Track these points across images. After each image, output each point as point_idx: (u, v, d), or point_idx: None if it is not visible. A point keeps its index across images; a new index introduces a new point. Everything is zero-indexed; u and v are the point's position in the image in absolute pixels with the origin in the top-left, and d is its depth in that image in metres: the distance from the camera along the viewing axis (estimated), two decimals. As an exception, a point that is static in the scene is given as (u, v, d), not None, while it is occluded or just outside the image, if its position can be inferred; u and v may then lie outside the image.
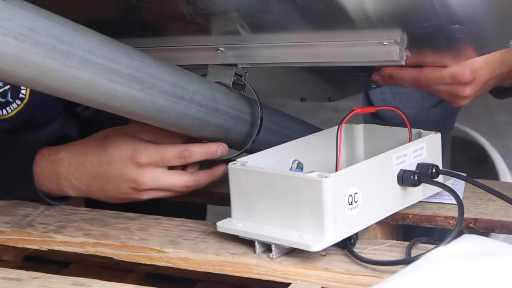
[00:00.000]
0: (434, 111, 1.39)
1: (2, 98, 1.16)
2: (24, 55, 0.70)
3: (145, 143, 0.99)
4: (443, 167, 1.01)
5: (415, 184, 0.95)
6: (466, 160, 1.96)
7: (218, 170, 1.03)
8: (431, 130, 1.01)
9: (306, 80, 1.21)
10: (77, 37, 0.76)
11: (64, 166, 1.03)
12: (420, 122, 1.23)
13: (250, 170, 0.92)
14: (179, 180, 1.01)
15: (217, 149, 1.00)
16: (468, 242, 0.72)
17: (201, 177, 1.02)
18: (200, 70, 1.04)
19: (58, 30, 0.74)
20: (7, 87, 1.15)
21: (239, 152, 1.05)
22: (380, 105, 1.36)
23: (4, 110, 1.16)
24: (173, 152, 0.99)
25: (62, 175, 1.03)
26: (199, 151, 1.00)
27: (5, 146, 1.08)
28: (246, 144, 1.04)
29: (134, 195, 1.01)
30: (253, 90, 1.03)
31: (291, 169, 1.00)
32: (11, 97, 1.16)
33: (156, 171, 0.99)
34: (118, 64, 0.81)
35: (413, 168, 0.97)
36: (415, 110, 1.37)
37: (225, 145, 1.01)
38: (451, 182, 1.02)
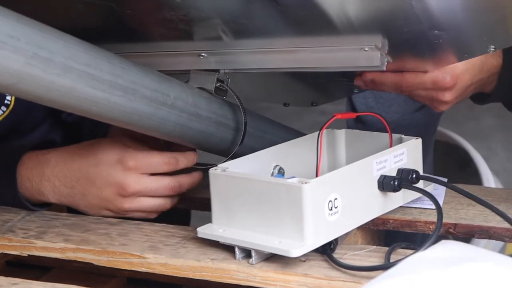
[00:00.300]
0: (417, 115, 1.40)
1: None
2: (4, 62, 0.70)
3: (134, 148, 1.00)
4: (425, 171, 1.02)
5: (396, 189, 0.95)
6: (450, 163, 1.97)
7: (200, 172, 1.04)
8: (413, 135, 1.02)
9: (289, 85, 1.21)
10: (58, 43, 0.77)
11: (50, 167, 1.03)
12: (403, 127, 1.24)
13: (230, 176, 0.92)
14: (163, 181, 1.01)
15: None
16: (446, 248, 0.72)
17: (183, 179, 1.03)
18: (183, 76, 1.04)
19: (39, 37, 0.74)
20: None
21: (227, 158, 1.05)
22: (363, 109, 1.37)
23: None
24: (160, 159, 1.00)
25: (46, 176, 1.03)
26: (184, 159, 1.02)
27: None
28: (231, 150, 1.05)
29: (116, 201, 1.01)
30: (236, 95, 1.03)
31: (272, 174, 1.01)
32: None
33: (141, 176, 1.00)
34: (99, 70, 0.81)
35: (394, 173, 0.97)
36: (398, 115, 1.38)
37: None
38: (432, 187, 1.03)
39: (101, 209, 1.02)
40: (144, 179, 1.00)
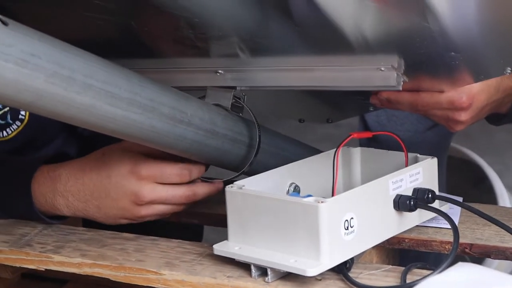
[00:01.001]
0: (429, 134, 1.40)
1: (2, 120, 1.16)
2: (25, 80, 0.71)
3: (145, 157, 1.00)
4: (438, 189, 1.02)
5: (411, 209, 0.95)
6: (464, 180, 1.97)
7: (217, 184, 1.04)
8: (425, 153, 1.02)
9: (304, 102, 1.22)
10: (78, 61, 0.77)
11: (62, 183, 1.03)
12: (415, 145, 1.25)
13: (247, 194, 0.92)
14: (178, 190, 1.01)
15: None
16: (464, 271, 0.73)
17: (198, 188, 1.03)
18: (199, 92, 1.05)
19: (59, 55, 0.75)
20: (7, 109, 1.16)
21: (237, 174, 1.05)
22: (375, 127, 1.37)
23: (4, 132, 1.17)
24: (173, 170, 1.00)
25: (59, 192, 1.03)
26: (196, 170, 1.02)
27: (4, 165, 1.09)
28: (243, 166, 1.05)
29: (132, 210, 1.01)
30: (252, 113, 1.04)
31: (288, 192, 1.01)
32: (10, 119, 1.17)
33: (156, 185, 1.00)
34: (118, 88, 0.82)
35: (410, 193, 0.97)
36: (410, 133, 1.38)
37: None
38: (447, 206, 1.03)
39: (117, 218, 1.03)
40: (159, 188, 1.00)
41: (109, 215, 1.02)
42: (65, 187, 1.03)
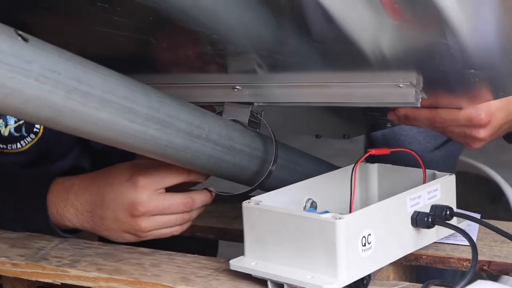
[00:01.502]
0: (436, 153, 1.40)
1: (17, 132, 1.17)
2: (45, 96, 0.71)
3: (144, 166, 1.00)
4: (453, 206, 1.01)
5: (429, 226, 0.95)
6: (481, 197, 1.96)
7: (209, 190, 1.04)
8: None
9: (321, 117, 1.22)
10: (97, 77, 0.77)
11: (73, 192, 1.04)
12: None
13: (263, 209, 0.92)
14: (175, 199, 1.01)
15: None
16: (482, 290, 0.72)
17: (197, 195, 1.03)
18: (217, 107, 1.05)
19: (79, 71, 0.75)
20: (22, 121, 1.17)
21: (251, 188, 1.05)
22: (382, 146, 1.37)
23: (18, 144, 1.18)
24: (172, 180, 1.00)
25: (70, 202, 1.04)
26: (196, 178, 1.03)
27: (20, 177, 1.09)
28: (264, 181, 1.05)
29: (130, 222, 1.00)
30: (270, 129, 1.04)
31: (305, 208, 1.01)
32: (25, 131, 1.18)
33: (153, 193, 0.99)
34: (136, 104, 0.82)
35: (427, 209, 0.97)
36: (418, 152, 1.37)
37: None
38: (465, 223, 1.02)
39: (120, 232, 1.02)
40: (155, 196, 0.99)
41: (111, 227, 1.02)
42: (76, 196, 1.03)
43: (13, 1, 0.84)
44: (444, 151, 1.41)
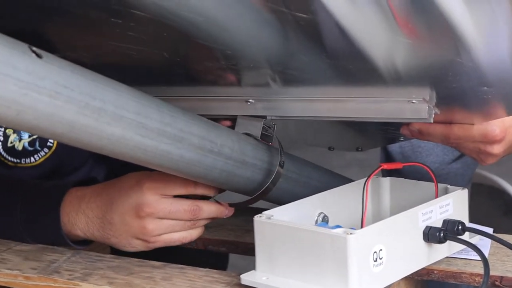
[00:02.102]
0: (454, 165, 1.40)
1: (31, 146, 1.18)
2: (58, 112, 0.72)
3: (152, 173, 1.00)
4: (466, 220, 1.01)
5: (441, 241, 0.95)
6: (495, 209, 1.95)
7: (225, 207, 1.04)
8: (450, 184, 1.02)
9: (335, 130, 1.22)
10: (109, 93, 0.78)
11: (85, 201, 1.04)
12: (440, 177, 1.24)
13: (275, 224, 0.92)
14: (181, 204, 1.01)
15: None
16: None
17: (204, 204, 1.02)
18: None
19: (91, 87, 0.75)
20: (36, 136, 1.17)
21: (250, 198, 1.04)
22: (399, 158, 1.37)
23: (32, 158, 1.19)
24: (178, 190, 1.01)
25: (82, 210, 1.04)
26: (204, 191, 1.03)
27: (33, 187, 1.10)
28: (275, 195, 1.05)
29: (137, 224, 1.00)
30: (279, 142, 1.04)
31: (316, 222, 1.01)
32: (39, 146, 1.19)
33: (159, 196, 1.00)
34: (148, 119, 0.82)
35: (439, 224, 0.97)
36: (436, 165, 1.38)
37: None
38: (477, 237, 1.02)
39: (129, 237, 1.02)
40: (161, 199, 1.00)
41: (120, 231, 1.02)
42: (87, 204, 1.04)
43: (28, 16, 0.84)
44: (461, 163, 1.41)
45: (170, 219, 1.01)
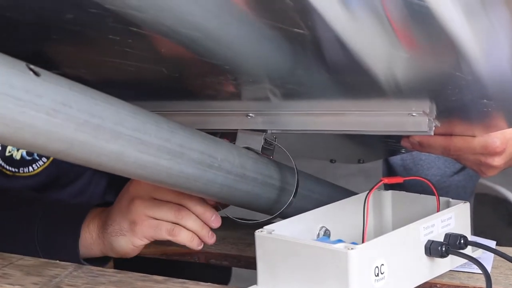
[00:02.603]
0: (456, 178, 1.39)
1: (29, 156, 1.18)
2: (56, 129, 0.71)
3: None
4: (468, 232, 1.01)
5: (443, 255, 0.94)
6: (498, 219, 1.94)
7: (216, 219, 1.03)
8: (452, 197, 1.02)
9: (336, 143, 1.21)
10: (108, 109, 0.77)
11: (99, 211, 1.07)
12: (442, 189, 1.24)
13: (276, 239, 0.92)
14: (169, 207, 1.01)
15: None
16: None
17: (188, 201, 1.02)
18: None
19: (90, 104, 0.75)
20: None
21: (270, 218, 1.05)
22: (400, 171, 1.37)
23: (30, 167, 1.19)
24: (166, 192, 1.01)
25: (98, 217, 1.06)
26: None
27: (53, 204, 1.10)
28: (275, 209, 1.05)
29: (126, 202, 1.02)
30: (291, 157, 1.04)
31: (318, 236, 1.00)
32: (37, 155, 1.19)
33: (147, 200, 1.01)
34: (147, 135, 0.82)
35: (441, 238, 0.96)
36: (437, 177, 1.38)
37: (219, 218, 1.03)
38: (480, 251, 1.02)
39: (120, 220, 1.03)
40: (151, 202, 1.01)
41: (114, 218, 1.04)
42: (100, 216, 1.06)
43: (26, 34, 0.84)
44: (463, 175, 1.41)
45: (157, 201, 1.02)
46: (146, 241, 1.04)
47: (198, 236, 1.02)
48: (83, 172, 1.26)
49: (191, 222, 1.02)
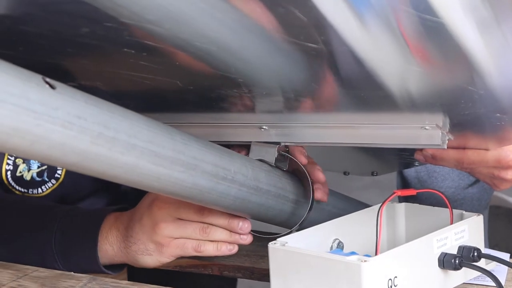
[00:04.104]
0: (470, 190, 1.39)
1: (39, 177, 1.19)
2: (71, 142, 0.72)
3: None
4: (483, 245, 1.00)
5: (456, 268, 0.94)
6: (512, 231, 1.94)
7: (244, 225, 1.04)
8: (467, 209, 1.02)
9: (350, 155, 1.22)
10: (122, 122, 0.78)
11: (119, 218, 1.08)
12: (456, 202, 1.24)
13: (289, 251, 0.92)
14: (194, 227, 1.02)
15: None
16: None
17: (216, 222, 1.03)
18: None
19: (104, 116, 0.76)
20: (44, 167, 1.19)
21: (287, 232, 1.05)
22: (415, 183, 1.37)
23: (39, 189, 1.20)
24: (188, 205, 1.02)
25: (116, 225, 1.07)
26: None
27: (69, 213, 1.11)
28: (291, 222, 1.05)
29: (151, 222, 1.03)
30: (306, 171, 1.04)
31: (331, 248, 1.01)
32: (47, 177, 1.20)
33: (172, 222, 1.02)
34: (161, 147, 0.83)
35: (455, 250, 0.96)
36: (452, 190, 1.37)
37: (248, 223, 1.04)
38: (494, 264, 1.01)
39: (145, 241, 1.04)
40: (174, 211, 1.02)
41: (138, 237, 1.05)
42: (121, 219, 1.07)
43: (42, 48, 0.85)
44: (478, 188, 1.41)
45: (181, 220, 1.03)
46: (173, 259, 1.06)
47: (228, 242, 1.04)
48: (88, 195, 1.27)
49: (218, 234, 1.04)
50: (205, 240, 1.03)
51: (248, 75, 0.89)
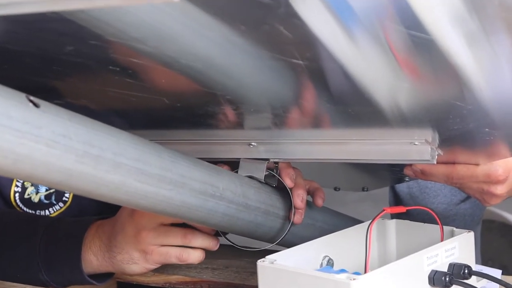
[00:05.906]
0: (462, 206, 1.39)
1: (47, 199, 1.20)
2: (55, 161, 0.71)
3: None
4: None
5: (447, 285, 0.93)
6: (506, 246, 1.93)
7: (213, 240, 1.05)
8: (459, 225, 1.01)
9: (340, 170, 1.21)
10: (108, 140, 0.77)
11: (101, 226, 1.08)
12: (449, 218, 1.23)
13: (278, 269, 0.91)
14: (176, 233, 1.04)
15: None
16: None
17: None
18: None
19: (89, 134, 0.75)
20: (52, 190, 1.20)
21: (271, 245, 1.05)
22: (407, 199, 1.36)
23: (47, 211, 1.21)
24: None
25: (98, 234, 1.07)
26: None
27: (54, 223, 1.10)
28: (278, 238, 1.04)
29: (134, 231, 1.03)
30: (288, 187, 1.03)
31: (321, 265, 1.00)
32: (55, 200, 1.21)
33: (153, 230, 1.03)
34: (148, 165, 0.82)
35: (445, 268, 0.95)
36: (444, 206, 1.37)
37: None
38: (485, 281, 1.01)
39: (129, 250, 1.05)
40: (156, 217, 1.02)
41: (122, 246, 1.05)
42: (103, 228, 1.07)
43: (27, 66, 0.85)
44: (470, 203, 1.40)
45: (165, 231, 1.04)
46: (158, 266, 1.07)
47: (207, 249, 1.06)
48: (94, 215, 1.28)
49: (200, 241, 1.05)
50: (187, 248, 1.04)
51: (236, 92, 0.89)
